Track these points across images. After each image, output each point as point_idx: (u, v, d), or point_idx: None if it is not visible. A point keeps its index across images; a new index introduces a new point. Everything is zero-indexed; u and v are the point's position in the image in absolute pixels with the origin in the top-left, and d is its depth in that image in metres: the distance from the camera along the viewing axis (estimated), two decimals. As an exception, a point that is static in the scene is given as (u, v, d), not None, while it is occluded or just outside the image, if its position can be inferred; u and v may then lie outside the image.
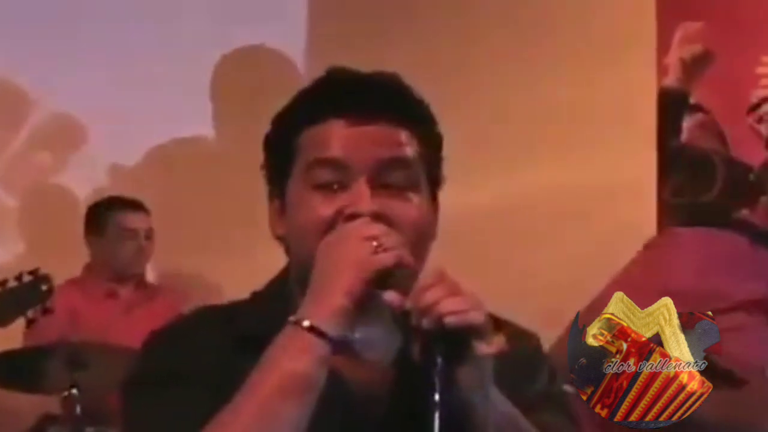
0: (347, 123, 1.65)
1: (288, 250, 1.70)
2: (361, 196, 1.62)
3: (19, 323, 4.23)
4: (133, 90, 5.17)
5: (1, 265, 5.33)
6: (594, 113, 5.01)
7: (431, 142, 1.72)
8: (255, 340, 1.58)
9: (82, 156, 5.48)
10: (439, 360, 1.48)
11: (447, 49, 5.34)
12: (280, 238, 1.71)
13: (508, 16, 5.33)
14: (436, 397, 1.47)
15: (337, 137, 1.65)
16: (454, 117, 5.15)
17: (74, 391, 4.10)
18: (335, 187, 1.64)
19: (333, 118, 1.66)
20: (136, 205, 4.89)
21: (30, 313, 4.00)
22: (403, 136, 1.67)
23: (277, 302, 1.67)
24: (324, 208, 1.63)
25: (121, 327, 4.71)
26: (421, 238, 1.66)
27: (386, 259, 1.55)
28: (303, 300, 1.58)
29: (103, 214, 4.88)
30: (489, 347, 1.52)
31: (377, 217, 1.61)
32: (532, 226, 5.07)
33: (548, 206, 5.02)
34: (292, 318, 1.55)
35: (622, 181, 4.90)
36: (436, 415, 1.46)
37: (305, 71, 5.44)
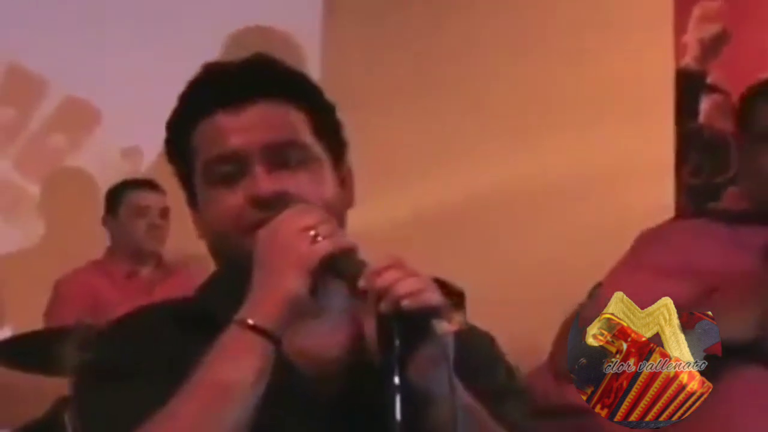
0: (228, 113, 1.65)
1: (211, 252, 1.70)
2: (259, 179, 1.62)
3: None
4: (147, 71, 5.17)
5: (23, 249, 5.37)
6: (612, 94, 4.99)
7: (319, 110, 1.70)
8: (207, 326, 1.58)
9: (97, 138, 5.50)
10: (397, 342, 1.47)
11: (461, 29, 5.33)
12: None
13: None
14: (396, 379, 1.46)
15: (223, 131, 1.65)
16: (470, 98, 5.14)
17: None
18: (235, 177, 1.64)
19: (214, 113, 1.66)
20: (150, 185, 4.92)
21: None
22: (287, 112, 1.67)
23: (228, 287, 1.65)
24: (229, 198, 1.64)
25: (143, 306, 4.72)
26: (332, 211, 1.64)
27: (325, 247, 1.54)
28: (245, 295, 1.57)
29: (119, 195, 4.93)
30: (449, 326, 1.50)
31: (281, 196, 1.61)
32: (551, 208, 5.06)
33: (567, 188, 5.01)
34: (236, 317, 1.54)
35: (640, 162, 4.88)
36: (397, 398, 1.45)
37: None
